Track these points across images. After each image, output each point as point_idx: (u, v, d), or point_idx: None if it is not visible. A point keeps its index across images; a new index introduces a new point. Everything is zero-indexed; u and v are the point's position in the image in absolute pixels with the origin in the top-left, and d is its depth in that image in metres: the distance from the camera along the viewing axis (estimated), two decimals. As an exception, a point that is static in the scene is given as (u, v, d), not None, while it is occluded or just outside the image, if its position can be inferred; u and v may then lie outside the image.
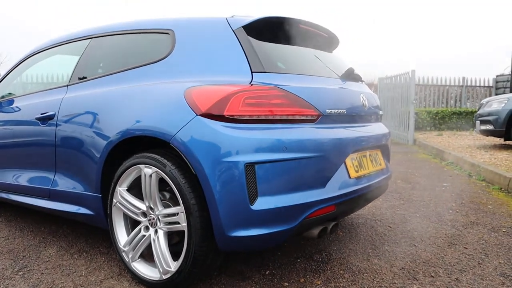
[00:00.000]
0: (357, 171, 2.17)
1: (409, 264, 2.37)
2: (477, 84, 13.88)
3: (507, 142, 7.81)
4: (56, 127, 2.51)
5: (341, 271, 2.27)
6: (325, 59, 2.51)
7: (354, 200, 2.15)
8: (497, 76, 13.68)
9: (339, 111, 2.13)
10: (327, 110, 2.05)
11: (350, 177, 2.09)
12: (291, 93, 1.91)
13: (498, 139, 8.18)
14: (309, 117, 1.97)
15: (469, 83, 13.85)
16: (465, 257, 2.48)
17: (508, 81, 12.86)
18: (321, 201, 1.89)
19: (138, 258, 2.12)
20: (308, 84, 2.06)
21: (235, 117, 1.81)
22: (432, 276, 2.21)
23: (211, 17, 2.26)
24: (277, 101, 1.87)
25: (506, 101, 6.97)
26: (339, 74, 2.44)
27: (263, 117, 1.84)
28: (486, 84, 13.86)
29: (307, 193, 1.86)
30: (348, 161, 2.11)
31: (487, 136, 7.38)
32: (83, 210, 2.42)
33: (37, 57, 3.20)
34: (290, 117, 1.90)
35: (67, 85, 2.66)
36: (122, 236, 2.20)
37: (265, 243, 1.90)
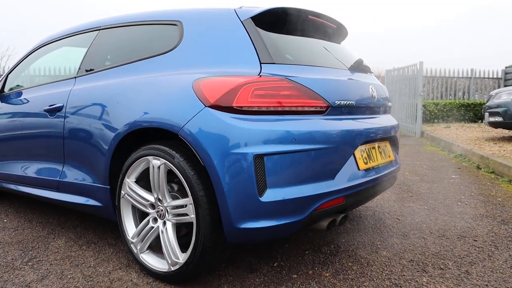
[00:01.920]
0: (366, 163, 2.15)
1: (418, 256, 2.36)
2: (486, 76, 13.71)
3: (516, 134, 7.73)
4: (64, 118, 2.51)
5: (350, 263, 2.26)
6: (333, 50, 2.49)
7: (363, 192, 2.13)
8: (506, 67, 13.50)
9: (348, 102, 2.11)
10: (336, 102, 2.03)
11: (359, 169, 2.08)
12: (300, 85, 1.89)
13: (507, 131, 8.11)
14: (318, 109, 1.95)
15: (477, 75, 13.69)
16: (475, 249, 2.47)
17: (517, 72, 12.69)
18: (330, 193, 1.88)
19: (147, 249, 2.13)
20: (317, 75, 2.04)
21: (244, 109, 1.79)
22: (441, 269, 2.19)
23: (219, 8, 2.24)
24: (286, 92, 1.85)
25: (515, 93, 6.88)
26: (347, 65, 2.42)
27: (272, 109, 1.83)
28: (495, 76, 13.69)
29: (316, 185, 1.85)
30: (357, 153, 2.09)
31: (496, 128, 7.31)
32: (91, 202, 2.43)
33: (44, 49, 3.20)
34: (299, 109, 1.88)
35: (75, 77, 2.66)
36: (130, 227, 2.20)
37: (274, 235, 1.89)
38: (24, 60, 3.31)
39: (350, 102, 2.13)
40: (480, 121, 11.64)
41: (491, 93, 7.72)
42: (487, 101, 7.62)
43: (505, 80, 13.44)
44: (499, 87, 13.30)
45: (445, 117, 11.87)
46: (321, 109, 1.96)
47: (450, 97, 13.67)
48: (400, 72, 10.83)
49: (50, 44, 3.14)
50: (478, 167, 5.25)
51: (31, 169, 2.87)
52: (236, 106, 1.79)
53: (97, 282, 2.05)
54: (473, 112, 11.94)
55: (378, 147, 2.36)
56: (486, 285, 2.02)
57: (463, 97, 13.64)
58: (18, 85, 3.30)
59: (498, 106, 7.03)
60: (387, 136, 2.46)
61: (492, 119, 7.13)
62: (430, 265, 2.25)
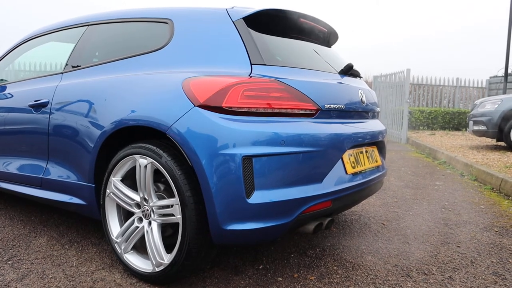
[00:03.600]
0: (353, 167, 2.16)
1: (402, 261, 2.37)
2: (471, 85, 13.97)
3: (499, 143, 7.88)
4: (49, 115, 2.46)
5: (335, 267, 2.26)
6: (324, 54, 2.49)
7: (350, 196, 2.14)
8: (490, 77, 13.77)
9: (337, 106, 2.12)
10: (325, 105, 2.03)
11: (347, 173, 2.08)
12: (290, 87, 1.89)
13: (491, 139, 8.25)
14: (308, 112, 1.95)
15: (462, 84, 13.93)
16: (458, 255, 2.49)
17: (501, 82, 12.93)
18: (317, 196, 1.88)
19: (131, 249, 2.10)
20: (307, 78, 2.04)
21: (234, 109, 1.78)
22: (425, 274, 2.21)
23: (211, 7, 2.23)
24: (276, 94, 1.85)
25: (499, 102, 7.02)
26: (337, 69, 2.42)
27: (261, 110, 1.82)
28: (479, 85, 13.95)
29: (304, 188, 1.85)
30: (345, 157, 2.09)
31: (480, 136, 7.44)
32: (75, 200, 2.38)
33: (31, 43, 3.14)
34: (289, 111, 1.88)
35: (61, 73, 2.61)
36: (114, 227, 2.17)
37: (261, 237, 1.88)
38: (9, 54, 3.25)
39: (340, 106, 2.13)
40: (464, 129, 11.83)
41: (475, 102, 7.85)
42: (471, 110, 7.75)
43: (489, 89, 13.71)
44: (483, 96, 13.55)
45: (430, 124, 12.05)
46: (310, 112, 1.96)
47: (436, 105, 13.87)
48: (388, 78, 10.95)
49: (37, 39, 3.08)
50: (462, 175, 5.33)
51: (13, 165, 2.81)
52: (226, 107, 1.78)
53: (79, 282, 2.01)
54: (458, 120, 12.13)
55: (366, 151, 2.37)
56: (469, 290, 2.04)
57: (448, 105, 13.85)
58: (2, 79, 3.23)
59: (482, 115, 7.16)
60: (375, 141, 2.48)
61: (476, 127, 7.25)
62: (415, 270, 2.26)
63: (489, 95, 13.37)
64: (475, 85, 13.95)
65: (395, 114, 10.13)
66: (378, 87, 11.64)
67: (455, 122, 12.12)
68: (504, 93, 11.04)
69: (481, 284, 2.11)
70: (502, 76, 12.81)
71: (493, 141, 8.33)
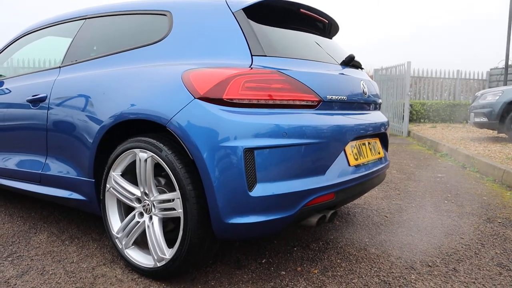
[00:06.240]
0: (356, 159, 2.13)
1: (406, 253, 2.35)
2: (471, 77, 13.90)
3: (500, 135, 7.85)
4: (47, 110, 2.43)
5: (338, 260, 2.24)
6: (325, 45, 2.46)
7: (353, 188, 2.11)
8: (491, 69, 13.70)
9: (339, 97, 2.08)
10: (327, 96, 2.00)
11: (349, 165, 2.06)
12: (292, 78, 1.86)
13: (492, 131, 8.22)
14: (310, 103, 1.92)
15: (463, 76, 13.86)
16: (462, 247, 2.47)
17: (501, 74, 12.88)
18: (320, 189, 1.85)
19: (132, 245, 2.08)
20: (309, 69, 2.01)
21: (234, 101, 1.75)
22: (429, 266, 2.19)
23: (209, -2, 2.19)
24: (278, 85, 1.81)
25: (500, 94, 6.98)
26: (339, 60, 2.39)
27: (263, 102, 1.79)
28: (480, 77, 13.89)
29: (307, 180, 1.82)
30: (347, 148, 2.06)
31: (481, 128, 7.41)
32: (75, 196, 2.36)
33: (28, 38, 3.10)
34: (290, 102, 1.85)
35: (59, 67, 2.58)
36: (115, 222, 2.14)
37: (263, 231, 1.86)
38: (6, 50, 3.21)
39: (342, 97, 2.10)
40: (465, 121, 11.79)
41: (476, 94, 7.81)
42: (472, 102, 7.72)
43: (490, 81, 13.65)
44: (484, 88, 13.49)
45: (431, 117, 12.00)
46: (312, 104, 1.93)
47: (436, 98, 13.81)
48: (388, 71, 10.89)
49: (33, 33, 3.04)
50: (464, 166, 5.31)
51: (12, 161, 2.78)
52: (226, 99, 1.75)
53: (80, 278, 1.99)
54: (459, 113, 12.08)
55: (368, 143, 2.34)
56: (474, 282, 2.02)
57: (449, 97, 13.80)
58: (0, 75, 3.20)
59: (483, 107, 7.12)
60: (377, 133, 2.45)
61: (477, 119, 7.22)
62: (418, 262, 2.24)
63: (489, 87, 13.32)
64: (476, 77, 13.89)
65: (396, 107, 10.09)
66: (379, 80, 11.59)
67: (456, 114, 12.07)
68: (505, 84, 11.00)
69: (486, 276, 2.09)
70: (503, 68, 12.76)
71: (494, 133, 8.30)
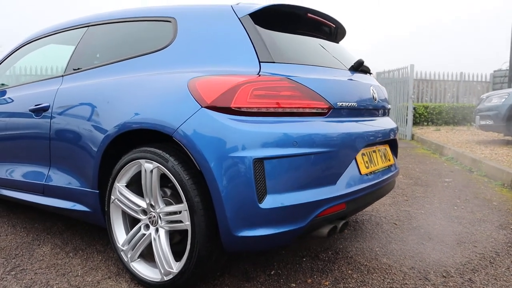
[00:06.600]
0: (367, 167, 2.07)
1: (418, 263, 2.29)
2: (475, 79, 13.83)
3: (507, 138, 7.77)
4: (50, 119, 2.39)
5: (349, 271, 2.18)
6: (332, 50, 2.41)
7: (365, 197, 2.06)
8: (494, 71, 13.63)
9: (349, 104, 2.03)
10: (338, 103, 1.94)
11: (360, 174, 2.00)
12: (301, 85, 1.81)
13: (497, 134, 8.14)
14: (320, 110, 1.86)
15: (466, 78, 13.79)
16: (476, 256, 2.41)
17: (505, 76, 12.80)
18: (332, 199, 1.80)
19: (138, 258, 2.02)
20: (318, 75, 1.95)
21: (243, 110, 1.70)
22: (444, 277, 2.12)
23: (215, 4, 2.15)
24: (287, 93, 1.76)
25: (506, 96, 6.91)
26: (347, 65, 2.34)
27: (272, 110, 1.74)
28: (484, 79, 13.81)
29: (318, 191, 1.76)
30: (359, 156, 2.01)
31: (487, 131, 7.34)
32: (79, 207, 2.31)
33: (30, 47, 3.07)
34: (300, 110, 1.79)
35: (62, 76, 2.53)
36: (120, 234, 2.09)
37: (273, 244, 1.80)
38: (8, 58, 3.17)
39: (352, 104, 2.05)
40: (469, 124, 11.71)
41: (482, 96, 7.75)
42: (477, 105, 7.65)
43: (494, 83, 13.57)
44: (487, 90, 13.41)
45: (434, 120, 11.92)
46: (322, 111, 1.87)
47: (439, 100, 13.74)
48: (391, 74, 10.84)
49: (36, 42, 3.00)
50: (471, 170, 5.24)
51: (15, 172, 2.73)
52: (234, 107, 1.70)
53: (85, 292, 1.93)
54: (462, 115, 12.01)
55: (379, 150, 2.28)
56: (491, 293, 1.96)
57: (452, 100, 13.72)
58: (2, 84, 3.16)
59: (489, 109, 7.05)
60: (387, 139, 2.39)
61: (483, 122, 7.15)
62: (432, 272, 2.18)
63: (493, 89, 13.22)
64: (479, 79, 13.81)
65: (399, 111, 10.02)
66: (382, 84, 11.45)
67: (459, 117, 11.99)
68: (509, 87, 10.92)
69: (503, 287, 2.03)
70: (506, 69, 12.69)
71: (500, 136, 8.22)
